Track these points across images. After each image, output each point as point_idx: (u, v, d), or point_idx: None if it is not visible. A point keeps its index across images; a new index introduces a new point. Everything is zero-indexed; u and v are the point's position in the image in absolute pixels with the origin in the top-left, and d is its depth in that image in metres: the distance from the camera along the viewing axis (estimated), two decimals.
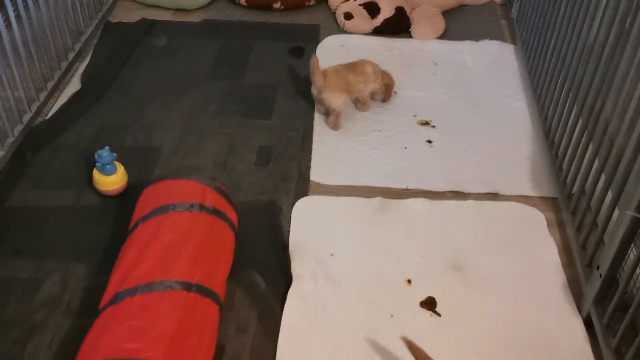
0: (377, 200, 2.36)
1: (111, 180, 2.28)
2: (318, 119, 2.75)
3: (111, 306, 1.65)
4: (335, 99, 2.60)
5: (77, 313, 1.93)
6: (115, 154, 2.28)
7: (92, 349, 1.55)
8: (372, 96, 2.82)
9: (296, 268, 2.08)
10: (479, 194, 2.41)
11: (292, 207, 2.32)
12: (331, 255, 2.15)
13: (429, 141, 2.66)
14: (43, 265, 2.07)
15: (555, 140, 2.48)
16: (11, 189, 2.35)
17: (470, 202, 2.37)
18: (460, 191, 2.42)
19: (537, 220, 2.30)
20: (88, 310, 1.91)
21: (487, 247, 2.19)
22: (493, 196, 2.41)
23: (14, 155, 2.46)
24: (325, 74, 2.61)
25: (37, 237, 2.17)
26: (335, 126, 2.66)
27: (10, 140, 2.46)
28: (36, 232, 2.19)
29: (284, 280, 2.06)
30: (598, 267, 1.83)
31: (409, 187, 2.44)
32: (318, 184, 2.45)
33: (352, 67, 2.68)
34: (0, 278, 2.02)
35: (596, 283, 1.84)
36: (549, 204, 2.38)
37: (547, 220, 2.30)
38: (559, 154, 2.42)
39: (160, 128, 2.68)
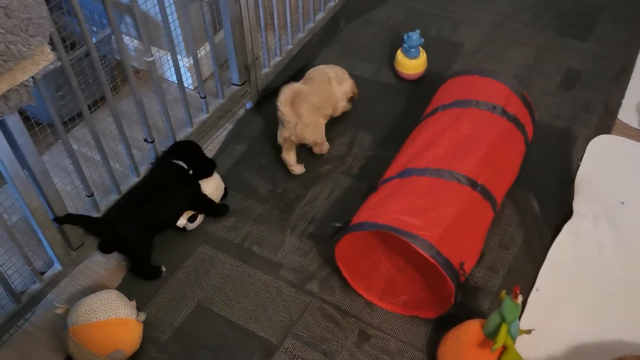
0: None
1: (413, 64, 2.30)
2: None
3: (398, 179, 1.71)
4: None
5: (355, 176, 2.05)
6: (423, 39, 2.28)
7: (373, 211, 1.63)
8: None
9: (579, 204, 1.93)
10: None
11: (588, 140, 2.12)
12: (622, 203, 1.94)
13: None
14: None
15: None
16: (321, 49, 2.51)
17: None
18: None
19: None
20: (365, 176, 2.02)
21: None
22: None
23: (330, 20, 2.61)
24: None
25: None
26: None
27: (330, 4, 2.60)
28: None
29: (561, 212, 1.93)
30: None
31: None
32: (625, 124, 2.19)
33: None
34: None
35: None
36: None
37: None
38: None
39: (467, 25, 2.60)
